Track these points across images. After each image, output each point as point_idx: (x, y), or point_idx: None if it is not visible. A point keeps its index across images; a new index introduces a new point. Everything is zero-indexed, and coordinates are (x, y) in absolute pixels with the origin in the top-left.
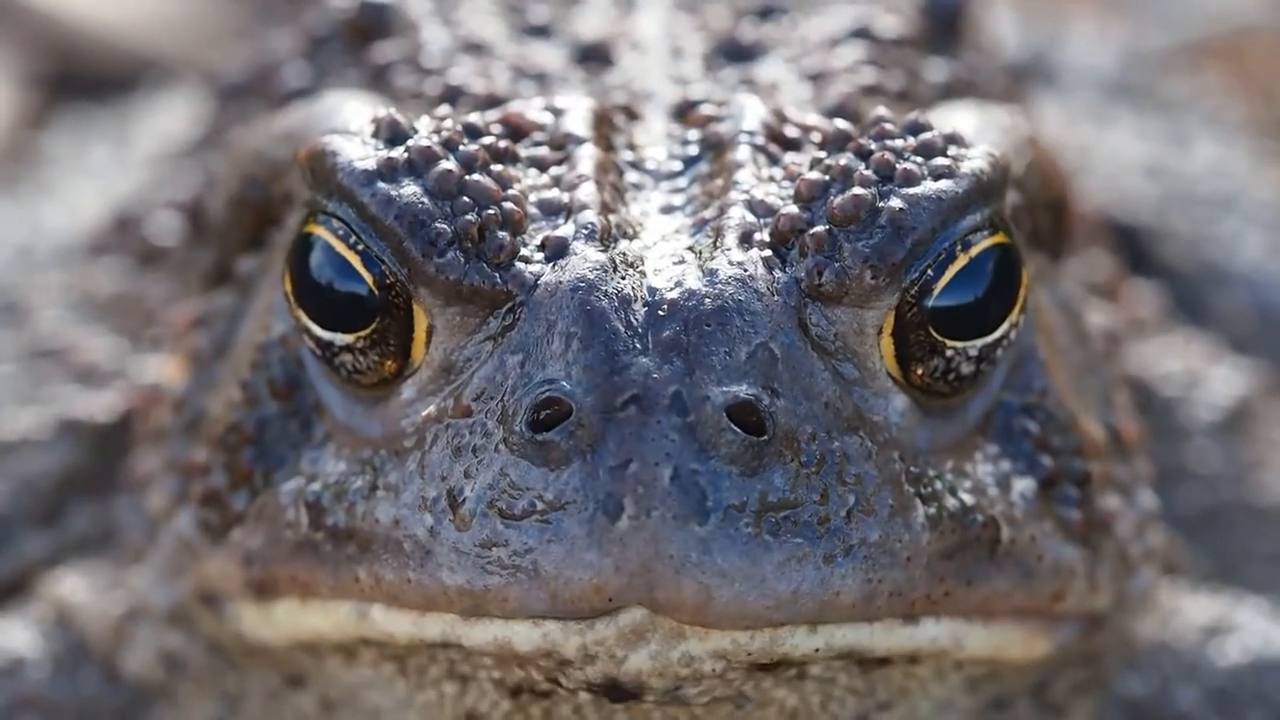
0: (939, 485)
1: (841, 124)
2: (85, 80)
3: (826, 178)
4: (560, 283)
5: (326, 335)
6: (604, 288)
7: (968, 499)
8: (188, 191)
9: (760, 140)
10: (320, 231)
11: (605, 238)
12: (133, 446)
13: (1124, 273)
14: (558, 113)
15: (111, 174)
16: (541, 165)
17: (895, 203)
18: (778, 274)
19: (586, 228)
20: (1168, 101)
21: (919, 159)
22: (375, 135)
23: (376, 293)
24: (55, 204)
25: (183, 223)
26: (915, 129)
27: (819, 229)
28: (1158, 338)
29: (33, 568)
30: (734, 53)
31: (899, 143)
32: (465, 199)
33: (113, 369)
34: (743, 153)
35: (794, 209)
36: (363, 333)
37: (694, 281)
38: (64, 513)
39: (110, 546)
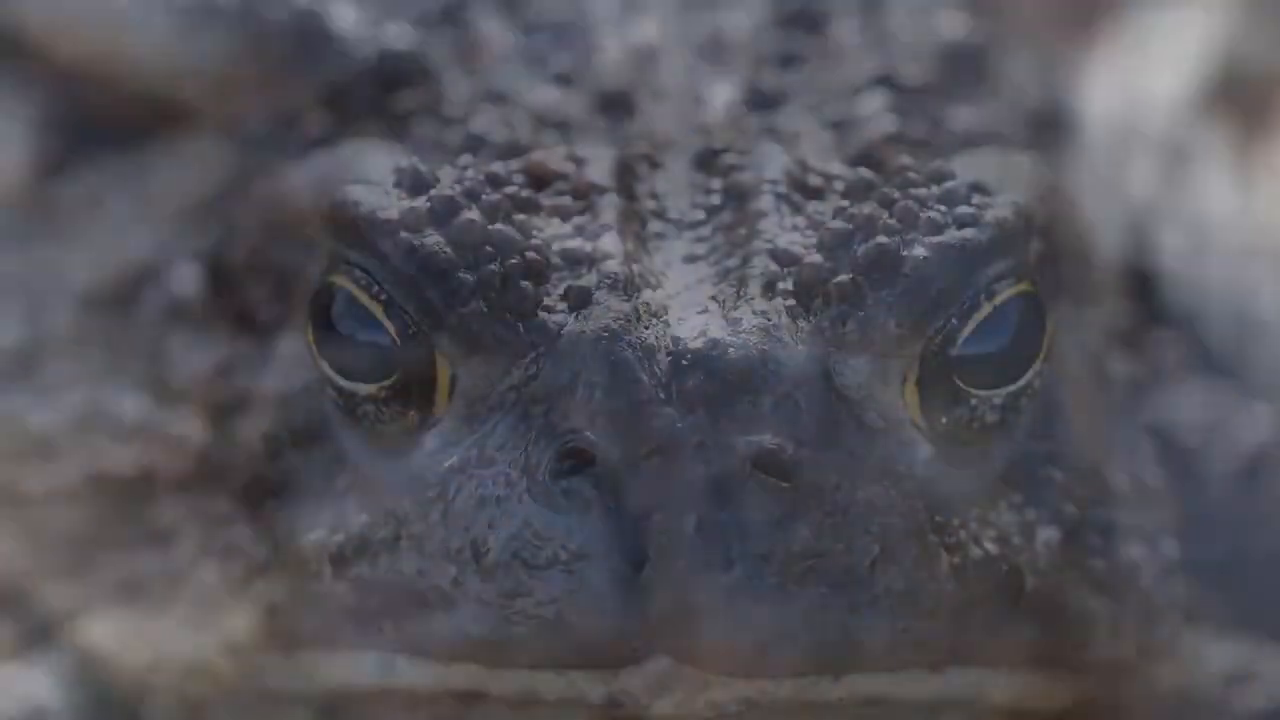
0: (963, 534)
1: (865, 172)
2: (104, 128)
3: (850, 226)
4: (584, 332)
5: (349, 385)
6: (627, 338)
7: (992, 548)
8: (209, 242)
9: (783, 189)
10: (342, 281)
11: (628, 287)
12: (157, 499)
13: (1146, 320)
14: (580, 162)
15: (131, 223)
16: (564, 214)
17: (919, 251)
18: (801, 323)
19: (609, 277)
20: (1188, 148)
21: (943, 207)
22: (397, 185)
23: (399, 343)
24: (73, 253)
25: (203, 273)
26: (939, 177)
27: (843, 278)
28: (1178, 385)
29: (58, 619)
30: (756, 101)
31: (922, 191)
32: (488, 248)
33: (135, 422)
34: (766, 201)
35: (818, 258)
36: (385, 383)
37: (718, 331)
38: (90, 565)
39: (135, 598)
